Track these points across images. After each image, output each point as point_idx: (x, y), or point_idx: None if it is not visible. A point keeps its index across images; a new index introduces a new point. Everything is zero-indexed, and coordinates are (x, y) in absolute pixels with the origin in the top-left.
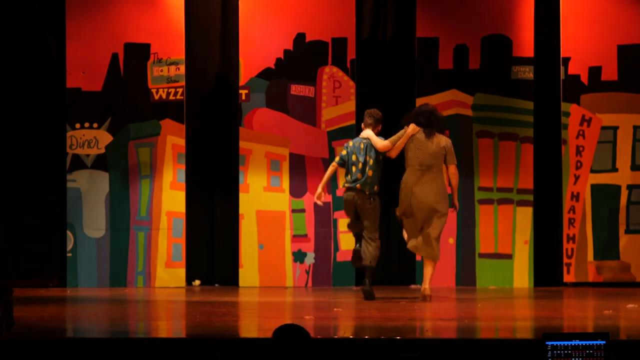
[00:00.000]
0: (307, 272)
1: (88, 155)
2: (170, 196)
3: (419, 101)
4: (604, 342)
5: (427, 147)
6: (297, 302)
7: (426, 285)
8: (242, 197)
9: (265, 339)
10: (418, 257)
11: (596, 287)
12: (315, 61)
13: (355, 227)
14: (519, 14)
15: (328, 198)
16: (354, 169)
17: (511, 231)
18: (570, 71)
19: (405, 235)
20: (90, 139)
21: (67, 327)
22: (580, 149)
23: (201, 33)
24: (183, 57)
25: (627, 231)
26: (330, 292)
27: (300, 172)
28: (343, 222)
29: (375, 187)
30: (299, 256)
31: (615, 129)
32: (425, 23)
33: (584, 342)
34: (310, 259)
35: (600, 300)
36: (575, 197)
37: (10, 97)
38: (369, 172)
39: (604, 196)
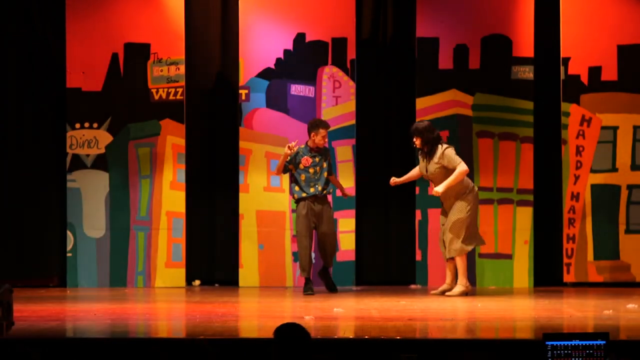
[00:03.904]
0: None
1: (88, 155)
2: (170, 196)
3: (419, 101)
4: (604, 342)
5: None
6: (297, 302)
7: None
8: (242, 197)
9: (265, 339)
10: (418, 257)
11: (596, 287)
12: (315, 61)
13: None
14: (519, 14)
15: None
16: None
17: (511, 231)
18: (570, 71)
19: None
20: (90, 139)
21: (67, 327)
22: (580, 149)
23: (201, 33)
24: (183, 57)
25: (627, 231)
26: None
27: None
28: (343, 222)
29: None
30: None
31: (615, 129)
32: (425, 23)
33: (584, 342)
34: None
35: (600, 300)
36: (575, 197)
37: (10, 97)
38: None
39: (604, 196)
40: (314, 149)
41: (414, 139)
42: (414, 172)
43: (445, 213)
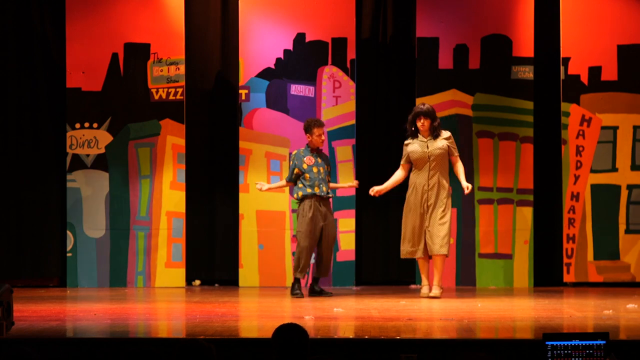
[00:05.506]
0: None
1: (88, 155)
2: (170, 196)
3: (419, 101)
4: (604, 342)
5: None
6: (297, 302)
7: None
8: (242, 197)
9: (265, 339)
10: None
11: (596, 287)
12: (315, 61)
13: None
14: (519, 14)
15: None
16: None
17: (511, 231)
18: (570, 71)
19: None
20: (90, 139)
21: (67, 327)
22: (580, 149)
23: (201, 33)
24: (183, 57)
25: (627, 231)
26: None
27: None
28: (343, 222)
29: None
30: None
31: (615, 129)
32: (425, 23)
33: (584, 342)
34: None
35: (600, 300)
36: (575, 197)
37: (10, 97)
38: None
39: (604, 196)
40: (314, 150)
41: (423, 121)
42: (399, 175)
43: (419, 208)
